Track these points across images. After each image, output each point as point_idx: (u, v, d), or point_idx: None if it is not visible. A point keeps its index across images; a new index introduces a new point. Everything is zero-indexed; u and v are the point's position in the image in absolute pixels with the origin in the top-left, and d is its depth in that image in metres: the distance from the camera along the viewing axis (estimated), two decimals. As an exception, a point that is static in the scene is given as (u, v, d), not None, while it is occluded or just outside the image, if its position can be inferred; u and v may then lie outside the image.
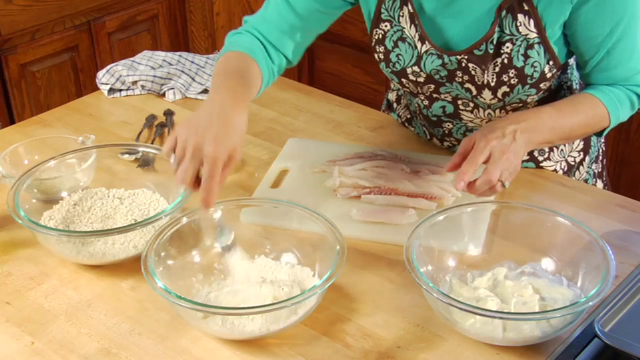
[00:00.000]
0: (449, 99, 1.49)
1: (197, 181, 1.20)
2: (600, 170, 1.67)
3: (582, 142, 1.59)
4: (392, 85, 1.77)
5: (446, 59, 1.41)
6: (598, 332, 1.07)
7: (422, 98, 1.53)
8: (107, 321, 1.19)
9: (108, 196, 1.40)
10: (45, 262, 1.31)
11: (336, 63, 3.22)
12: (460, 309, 1.08)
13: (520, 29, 1.35)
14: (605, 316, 1.09)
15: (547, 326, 1.10)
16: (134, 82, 1.83)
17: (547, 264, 1.23)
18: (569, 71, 1.52)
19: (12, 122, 2.67)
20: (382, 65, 1.50)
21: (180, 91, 1.82)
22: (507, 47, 1.37)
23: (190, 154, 1.18)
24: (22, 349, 1.14)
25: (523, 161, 1.49)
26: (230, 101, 1.26)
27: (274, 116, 1.75)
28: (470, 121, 1.52)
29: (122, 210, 1.37)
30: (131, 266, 1.28)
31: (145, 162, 1.48)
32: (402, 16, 1.42)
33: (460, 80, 1.43)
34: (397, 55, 1.46)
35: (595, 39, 1.36)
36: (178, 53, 1.93)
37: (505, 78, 1.39)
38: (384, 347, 1.13)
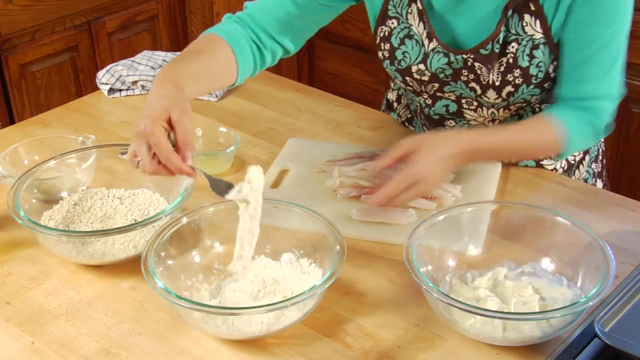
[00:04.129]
0: (453, 97, 1.49)
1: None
2: (600, 170, 1.67)
3: None
4: (392, 85, 1.77)
5: (452, 58, 1.41)
6: (598, 332, 1.07)
7: (426, 97, 1.53)
8: (107, 321, 1.19)
9: (108, 196, 1.40)
10: (45, 262, 1.31)
11: (336, 63, 3.22)
12: (460, 309, 1.08)
13: (527, 29, 1.35)
14: (605, 316, 1.09)
15: (547, 326, 1.10)
16: (134, 82, 1.83)
17: (547, 264, 1.23)
18: None
19: (12, 122, 2.67)
20: (387, 63, 1.50)
21: (180, 91, 1.82)
22: (513, 47, 1.37)
23: (134, 141, 1.20)
24: (22, 349, 1.14)
25: None
26: (158, 81, 1.27)
27: (274, 116, 1.75)
28: (474, 120, 1.51)
29: (122, 210, 1.37)
30: (131, 266, 1.28)
31: (145, 162, 1.48)
32: (410, 13, 1.43)
33: (465, 79, 1.43)
34: (403, 53, 1.45)
35: (577, 43, 1.35)
36: (178, 53, 1.93)
37: (510, 78, 1.39)
38: (384, 347, 1.13)
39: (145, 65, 1.87)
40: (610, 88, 1.40)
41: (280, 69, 3.28)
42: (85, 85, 2.90)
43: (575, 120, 1.39)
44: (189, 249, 1.25)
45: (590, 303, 1.06)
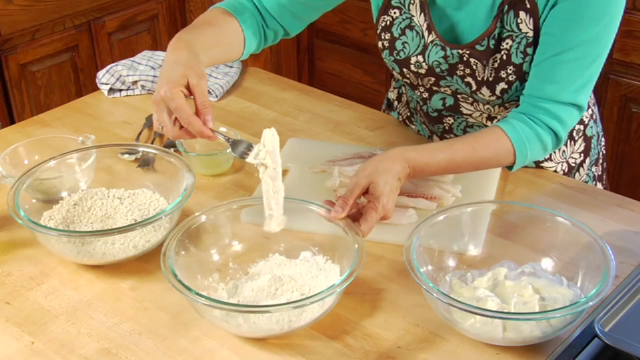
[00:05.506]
0: (449, 92, 1.49)
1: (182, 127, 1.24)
2: (600, 173, 1.67)
3: (583, 144, 1.59)
4: (392, 84, 1.77)
5: (448, 52, 1.42)
6: (598, 332, 1.07)
7: (422, 90, 1.53)
8: (107, 321, 1.19)
9: (108, 196, 1.40)
10: (45, 262, 1.31)
11: (336, 63, 3.22)
12: (460, 309, 1.08)
13: (521, 26, 1.35)
14: (605, 316, 1.09)
15: (547, 326, 1.10)
16: (134, 82, 1.83)
17: (547, 264, 1.23)
18: None
19: (12, 122, 2.67)
20: (386, 53, 1.50)
21: (180, 91, 1.82)
22: (507, 44, 1.37)
23: (155, 109, 1.24)
24: (22, 349, 1.14)
25: None
26: (172, 48, 1.29)
27: (274, 116, 1.75)
28: (470, 115, 1.51)
29: (122, 210, 1.37)
30: (131, 266, 1.28)
31: (145, 162, 1.48)
32: (413, 4, 1.44)
33: (461, 73, 1.43)
34: (403, 44, 1.46)
35: (554, 37, 1.33)
36: (178, 53, 1.92)
37: (503, 74, 1.39)
38: (384, 347, 1.13)
39: (145, 65, 1.87)
40: (573, 95, 1.35)
41: (280, 69, 3.28)
42: (85, 85, 2.90)
43: (524, 132, 1.35)
44: (204, 249, 1.25)
45: (590, 303, 1.06)
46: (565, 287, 1.17)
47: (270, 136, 1.19)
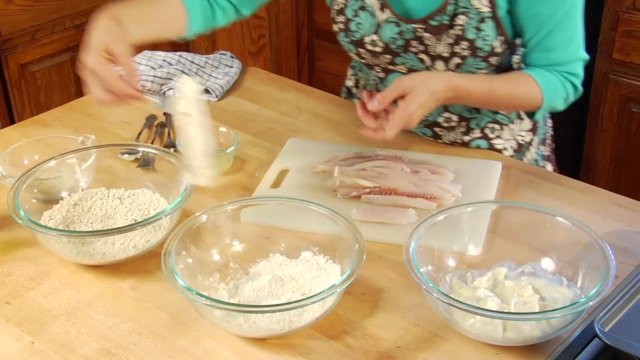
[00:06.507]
0: (404, 70, 1.53)
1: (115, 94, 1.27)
2: (548, 153, 1.72)
3: (529, 123, 1.64)
4: (349, 72, 1.80)
5: (403, 27, 1.46)
6: (598, 332, 1.07)
7: (378, 70, 1.57)
8: (107, 321, 1.19)
9: (108, 196, 1.40)
10: (45, 262, 1.31)
11: (336, 63, 3.22)
12: (460, 309, 1.08)
13: (474, 2, 1.40)
14: (605, 316, 1.09)
15: (547, 326, 1.10)
16: (134, 82, 1.83)
17: (547, 264, 1.23)
18: (519, 53, 1.56)
19: (12, 122, 2.67)
20: (342, 35, 1.55)
21: (180, 91, 1.82)
22: (461, 20, 1.41)
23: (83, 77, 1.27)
24: (22, 349, 1.14)
25: (474, 139, 1.59)
26: (95, 18, 1.32)
27: (274, 116, 1.75)
28: None
29: (122, 210, 1.37)
30: (131, 266, 1.28)
31: (145, 162, 1.48)
32: None
33: (415, 50, 1.48)
34: (357, 24, 1.51)
35: (537, 17, 1.41)
36: (178, 53, 1.93)
37: (457, 50, 1.44)
38: (384, 347, 1.13)
39: (145, 65, 1.87)
40: (576, 52, 1.46)
41: (280, 69, 3.28)
42: (85, 85, 2.90)
43: (548, 80, 1.45)
44: (205, 249, 1.25)
45: (590, 303, 1.06)
46: (565, 287, 1.17)
47: (188, 84, 1.17)
